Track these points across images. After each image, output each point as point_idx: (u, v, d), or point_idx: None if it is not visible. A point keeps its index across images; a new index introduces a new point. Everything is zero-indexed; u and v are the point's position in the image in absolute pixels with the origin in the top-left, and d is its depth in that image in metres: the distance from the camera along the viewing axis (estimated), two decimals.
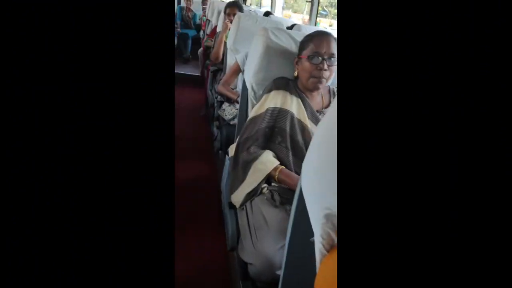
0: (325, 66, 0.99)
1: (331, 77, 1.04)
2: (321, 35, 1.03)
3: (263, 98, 1.07)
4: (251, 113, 1.09)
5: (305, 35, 1.09)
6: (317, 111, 1.08)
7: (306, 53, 1.02)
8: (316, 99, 1.10)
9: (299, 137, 1.02)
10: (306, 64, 1.01)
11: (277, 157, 1.01)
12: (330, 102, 1.14)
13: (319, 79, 1.01)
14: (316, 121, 1.06)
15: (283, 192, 0.97)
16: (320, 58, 0.99)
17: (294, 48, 1.15)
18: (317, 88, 1.05)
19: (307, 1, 3.04)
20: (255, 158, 0.99)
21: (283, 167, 0.98)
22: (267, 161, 0.98)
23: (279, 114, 1.03)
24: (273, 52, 1.16)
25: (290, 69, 1.14)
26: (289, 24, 2.18)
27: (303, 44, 1.05)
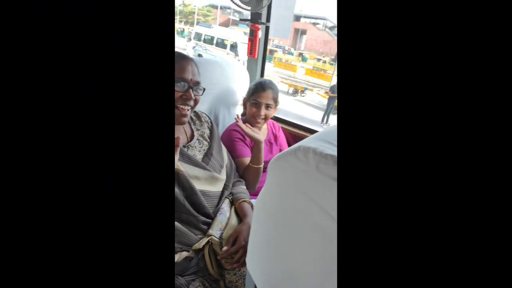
0: (192, 95, 0.87)
1: (195, 107, 0.92)
2: (182, 59, 0.89)
3: None
4: None
5: None
6: (184, 146, 0.93)
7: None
8: (180, 134, 0.94)
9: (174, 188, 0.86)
10: None
11: None
12: (192, 132, 1.00)
13: (184, 107, 0.87)
14: (188, 160, 0.90)
15: None
16: (185, 84, 0.86)
17: None
18: (182, 123, 0.89)
19: None
20: None
21: None
22: None
23: None
24: None
25: None
26: None
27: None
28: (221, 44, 11.20)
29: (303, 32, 29.11)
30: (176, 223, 0.85)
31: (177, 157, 0.81)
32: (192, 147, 0.95)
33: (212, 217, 0.93)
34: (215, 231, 0.88)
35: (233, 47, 10.82)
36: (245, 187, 1.11)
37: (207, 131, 1.04)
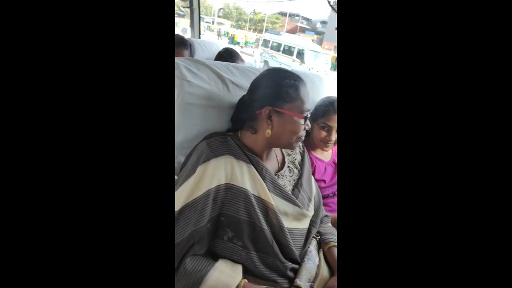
0: (309, 125, 0.76)
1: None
2: (305, 87, 0.75)
3: (197, 172, 0.68)
4: (179, 200, 0.67)
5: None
6: (275, 174, 0.77)
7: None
8: (271, 160, 0.78)
9: (263, 224, 0.69)
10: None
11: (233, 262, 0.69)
12: (283, 158, 0.84)
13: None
14: (280, 192, 0.74)
15: None
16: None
17: (221, 88, 0.85)
18: (292, 147, 0.77)
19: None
20: (200, 279, 0.62)
21: (245, 280, 0.65)
22: (219, 281, 0.63)
23: (226, 195, 0.68)
24: (195, 99, 0.81)
25: (217, 119, 0.83)
26: None
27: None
28: (287, 51, 11.21)
29: None
30: (263, 268, 0.71)
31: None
32: (283, 176, 0.80)
33: (298, 261, 0.75)
34: (304, 282, 0.71)
35: (300, 54, 10.73)
36: (331, 226, 0.93)
37: (298, 157, 0.88)
